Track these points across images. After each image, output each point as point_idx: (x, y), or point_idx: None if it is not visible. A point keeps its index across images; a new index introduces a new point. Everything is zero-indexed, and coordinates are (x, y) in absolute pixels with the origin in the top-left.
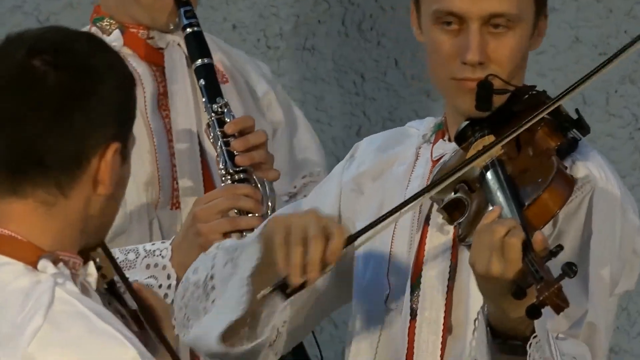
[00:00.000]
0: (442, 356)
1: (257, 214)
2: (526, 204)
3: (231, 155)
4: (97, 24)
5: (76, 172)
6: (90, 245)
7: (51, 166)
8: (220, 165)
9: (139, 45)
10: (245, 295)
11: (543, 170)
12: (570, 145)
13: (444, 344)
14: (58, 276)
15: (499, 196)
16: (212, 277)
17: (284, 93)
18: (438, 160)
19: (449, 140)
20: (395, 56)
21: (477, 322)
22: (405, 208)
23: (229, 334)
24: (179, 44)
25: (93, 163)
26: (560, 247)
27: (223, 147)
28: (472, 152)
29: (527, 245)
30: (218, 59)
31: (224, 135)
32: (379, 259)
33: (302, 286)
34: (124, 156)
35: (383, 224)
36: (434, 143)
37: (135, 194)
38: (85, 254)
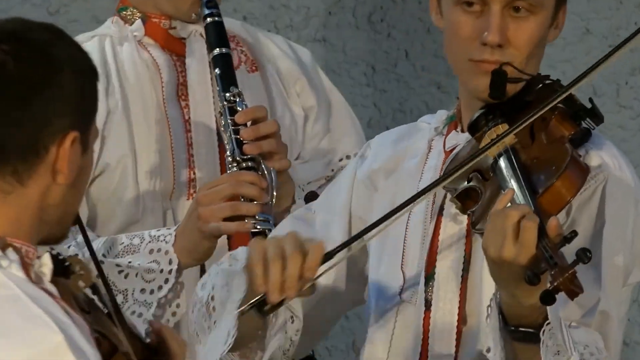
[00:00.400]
0: (457, 346)
1: (259, 202)
2: (540, 191)
3: (240, 144)
4: (121, 13)
5: (34, 161)
6: (56, 236)
7: (8, 154)
8: (228, 153)
9: (160, 35)
10: (232, 330)
11: (557, 157)
12: (584, 136)
13: (458, 334)
14: (2, 259)
15: (513, 184)
16: (212, 298)
17: (323, 78)
18: (451, 151)
19: (462, 131)
20: (406, 48)
21: (489, 309)
22: (412, 204)
23: (239, 347)
24: (201, 34)
25: (51, 152)
26: (574, 233)
27: (232, 135)
28: (485, 141)
29: (541, 231)
30: (248, 48)
31: (235, 123)
32: (394, 251)
33: (280, 303)
34: (85, 146)
35: (388, 222)
36: (447, 135)
37: (148, 183)
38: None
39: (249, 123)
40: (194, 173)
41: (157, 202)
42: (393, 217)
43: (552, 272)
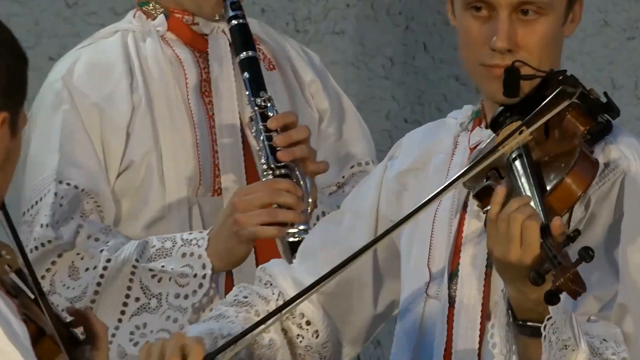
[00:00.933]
0: (480, 343)
1: (297, 210)
2: (549, 188)
3: (273, 151)
4: (143, 8)
5: None
6: None
7: None
8: (262, 160)
9: (183, 31)
10: None
11: (566, 154)
12: (604, 129)
13: (482, 330)
14: None
15: (523, 182)
16: None
17: (334, 83)
18: (475, 147)
19: (486, 127)
20: (424, 40)
21: (496, 304)
22: (423, 208)
23: None
24: (223, 31)
25: None
26: (577, 232)
27: (265, 142)
28: (499, 138)
29: (545, 231)
30: (265, 46)
31: (267, 129)
32: (421, 247)
33: None
34: (13, 130)
35: (392, 232)
36: (472, 130)
37: (174, 180)
38: None
39: (279, 128)
40: (219, 169)
41: (182, 199)
42: (391, 233)
43: (554, 272)
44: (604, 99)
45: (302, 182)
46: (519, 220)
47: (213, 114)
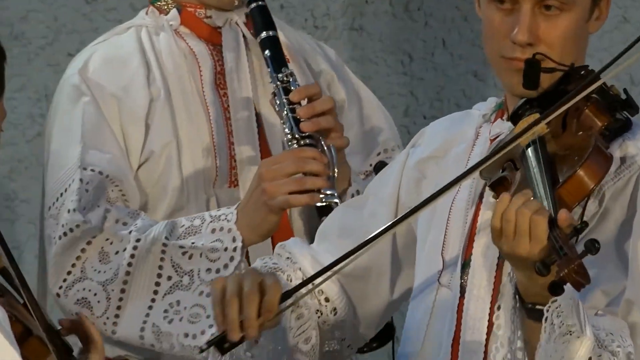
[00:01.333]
0: (488, 334)
1: (323, 177)
2: (561, 181)
3: (297, 122)
4: (156, 4)
5: None
6: None
7: None
8: (287, 131)
9: (196, 24)
10: None
11: (581, 147)
12: (623, 126)
13: (491, 322)
14: None
15: (536, 173)
16: None
17: (351, 75)
18: (495, 139)
19: (507, 119)
20: (443, 36)
21: (503, 287)
22: (439, 196)
23: None
24: (236, 23)
25: None
26: (585, 224)
27: (289, 114)
28: (517, 130)
29: (553, 222)
30: (280, 40)
31: (290, 102)
32: (437, 235)
33: (240, 341)
34: None
35: (408, 218)
36: (493, 122)
37: (192, 171)
38: None
39: (303, 102)
40: (235, 161)
41: (200, 190)
42: (407, 218)
43: (559, 263)
44: (624, 96)
45: (327, 152)
46: (527, 216)
47: (228, 106)
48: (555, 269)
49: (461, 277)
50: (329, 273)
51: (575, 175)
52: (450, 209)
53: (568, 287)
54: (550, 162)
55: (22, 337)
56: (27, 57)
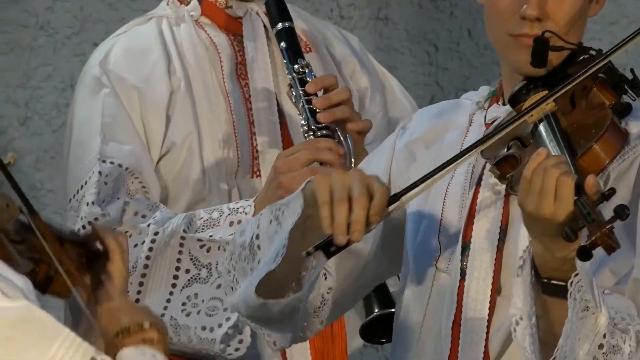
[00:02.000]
0: (490, 316)
1: (339, 167)
2: (579, 153)
3: (313, 113)
4: None
5: None
6: None
7: None
8: (303, 122)
9: (216, 15)
10: (281, 250)
11: (597, 121)
12: (625, 109)
13: (492, 304)
14: None
15: (553, 147)
16: (257, 237)
17: (374, 63)
18: (491, 123)
19: (503, 104)
20: (468, 26)
21: (522, 260)
22: (454, 163)
23: (268, 291)
24: (257, 13)
25: None
26: (612, 191)
27: (305, 105)
28: (525, 106)
29: (579, 188)
30: (301, 29)
31: (306, 94)
32: (431, 220)
33: (346, 245)
34: None
35: (432, 179)
36: (488, 108)
37: (213, 162)
38: None
39: (319, 93)
40: (257, 151)
41: (222, 181)
42: (439, 175)
43: (589, 228)
44: (630, 76)
45: (344, 142)
46: (555, 175)
47: (249, 96)
48: (581, 235)
49: (461, 261)
50: (426, 183)
51: (592, 148)
52: (446, 193)
53: (579, 262)
54: (566, 135)
55: (49, 277)
56: (53, 47)
